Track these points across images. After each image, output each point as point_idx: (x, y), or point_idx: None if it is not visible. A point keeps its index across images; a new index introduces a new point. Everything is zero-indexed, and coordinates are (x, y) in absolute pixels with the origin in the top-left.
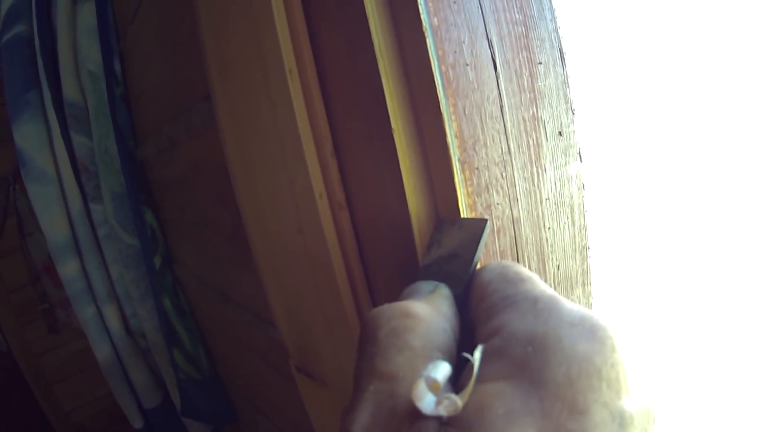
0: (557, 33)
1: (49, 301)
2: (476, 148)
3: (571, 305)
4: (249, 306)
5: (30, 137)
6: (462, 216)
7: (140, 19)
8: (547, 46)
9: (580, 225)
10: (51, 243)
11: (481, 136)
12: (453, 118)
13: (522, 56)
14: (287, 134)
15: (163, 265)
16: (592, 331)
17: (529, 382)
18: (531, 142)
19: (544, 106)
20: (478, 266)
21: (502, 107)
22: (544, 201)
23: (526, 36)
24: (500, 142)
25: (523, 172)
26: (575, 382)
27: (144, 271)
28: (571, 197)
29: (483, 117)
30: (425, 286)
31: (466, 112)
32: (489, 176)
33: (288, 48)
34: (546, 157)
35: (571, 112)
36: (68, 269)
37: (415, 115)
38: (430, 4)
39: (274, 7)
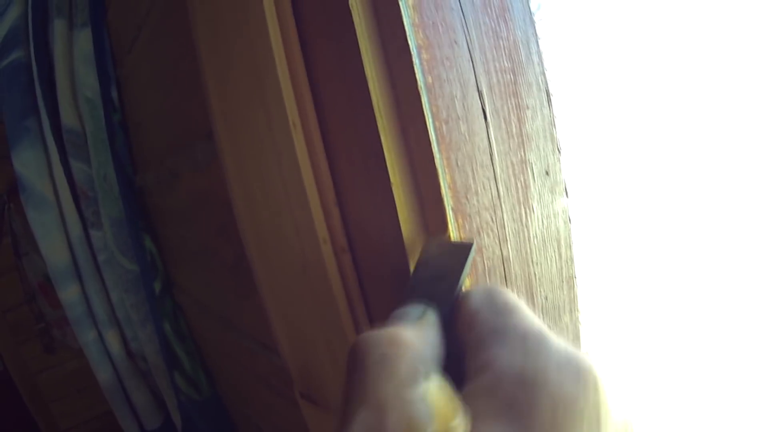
0: (544, 75)
1: (45, 320)
2: (468, 197)
3: (558, 344)
4: (252, 333)
5: (29, 164)
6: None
7: (138, 49)
8: (535, 90)
9: (567, 257)
10: (51, 268)
11: (472, 185)
12: (446, 170)
13: (510, 103)
14: (292, 183)
15: (162, 291)
16: (577, 374)
17: (518, 422)
18: (519, 185)
19: (531, 149)
20: (465, 286)
21: (491, 155)
22: (532, 238)
23: (515, 83)
24: (490, 188)
25: (512, 213)
26: (560, 423)
27: (144, 295)
28: (558, 232)
29: (474, 167)
30: (414, 311)
31: (459, 164)
32: (480, 221)
33: (291, 102)
34: (533, 197)
35: (557, 151)
36: (69, 294)
37: (411, 168)
38: (425, 64)
39: (277, 62)
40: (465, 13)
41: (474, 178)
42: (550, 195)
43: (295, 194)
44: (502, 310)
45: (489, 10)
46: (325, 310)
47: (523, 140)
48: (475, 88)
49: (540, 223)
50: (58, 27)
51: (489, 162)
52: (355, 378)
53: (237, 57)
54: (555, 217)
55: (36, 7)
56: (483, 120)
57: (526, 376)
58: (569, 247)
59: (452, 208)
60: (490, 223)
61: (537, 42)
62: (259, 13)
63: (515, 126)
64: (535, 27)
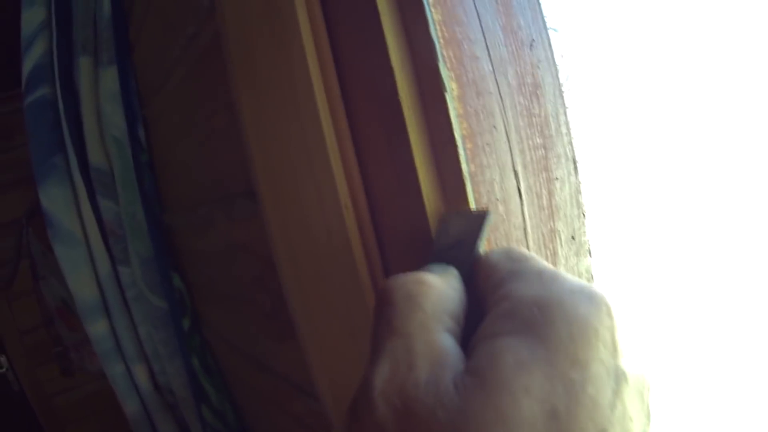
0: (571, 145)
1: (63, 343)
2: None
3: (571, 277)
4: (287, 376)
5: (57, 200)
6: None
7: (167, 93)
8: (563, 160)
9: None
10: (79, 303)
11: None
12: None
13: (542, 177)
14: (343, 260)
15: (191, 327)
16: (590, 298)
17: (536, 337)
18: (548, 253)
19: (559, 218)
20: (482, 251)
21: (525, 230)
22: None
23: (546, 157)
24: None
25: None
26: (576, 339)
27: (172, 331)
28: None
29: (509, 244)
30: (436, 267)
31: (496, 244)
32: None
33: (342, 184)
34: (561, 262)
35: (582, 216)
36: (97, 328)
37: None
38: (469, 153)
39: (329, 146)
40: (502, 96)
41: None
42: (575, 258)
43: (347, 271)
44: (518, 258)
45: (523, 89)
46: None
47: (552, 211)
48: (512, 170)
49: None
50: (84, 64)
51: (523, 236)
52: (384, 313)
53: (286, 136)
54: (579, 277)
55: (61, 44)
56: (518, 198)
57: (542, 299)
58: None
59: None
60: None
61: (565, 113)
62: (312, 102)
63: (546, 199)
64: (563, 98)
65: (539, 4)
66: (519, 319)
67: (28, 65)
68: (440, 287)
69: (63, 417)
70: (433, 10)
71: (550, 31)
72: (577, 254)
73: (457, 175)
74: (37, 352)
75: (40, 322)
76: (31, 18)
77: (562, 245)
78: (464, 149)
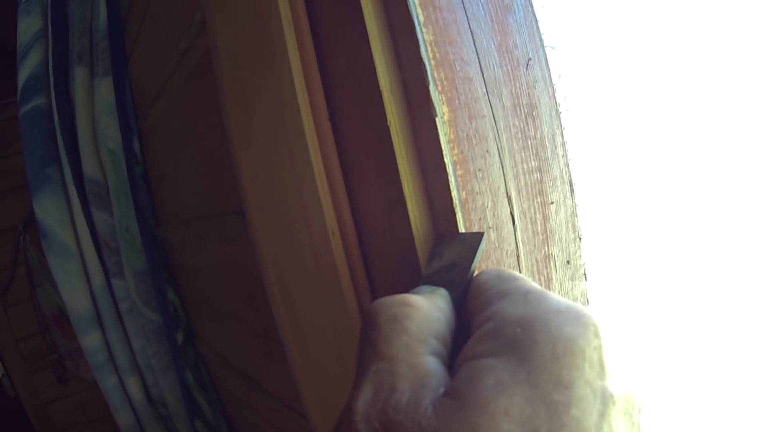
0: (568, 167)
1: (59, 351)
2: None
3: (558, 297)
4: (279, 396)
5: (51, 212)
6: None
7: (161, 106)
8: (559, 183)
9: None
10: (73, 315)
11: None
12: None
13: (537, 202)
14: (330, 286)
15: (185, 341)
16: (577, 317)
17: (519, 358)
18: (542, 279)
19: (554, 242)
20: (475, 273)
21: (518, 256)
22: None
23: (541, 181)
24: None
25: None
26: (560, 359)
27: (166, 344)
28: None
29: None
30: (425, 288)
31: None
32: None
33: (330, 211)
34: (555, 288)
35: (578, 239)
36: (91, 341)
37: None
38: (459, 179)
39: (316, 173)
40: (496, 119)
41: None
42: (570, 282)
43: (333, 295)
44: (507, 278)
45: (518, 110)
46: None
47: (547, 236)
48: (505, 195)
49: None
50: (79, 75)
51: (516, 263)
52: (369, 336)
53: (274, 160)
54: (575, 302)
55: (57, 53)
56: (511, 225)
57: (526, 318)
58: None
59: None
60: None
61: (562, 134)
62: (299, 128)
63: (540, 224)
64: (560, 119)
65: (536, 22)
66: (502, 339)
67: (23, 75)
68: (426, 309)
69: (58, 424)
70: (424, 29)
71: (547, 50)
72: (573, 279)
73: (447, 202)
74: (32, 359)
75: (36, 329)
76: (28, 27)
77: (557, 270)
78: (455, 176)
